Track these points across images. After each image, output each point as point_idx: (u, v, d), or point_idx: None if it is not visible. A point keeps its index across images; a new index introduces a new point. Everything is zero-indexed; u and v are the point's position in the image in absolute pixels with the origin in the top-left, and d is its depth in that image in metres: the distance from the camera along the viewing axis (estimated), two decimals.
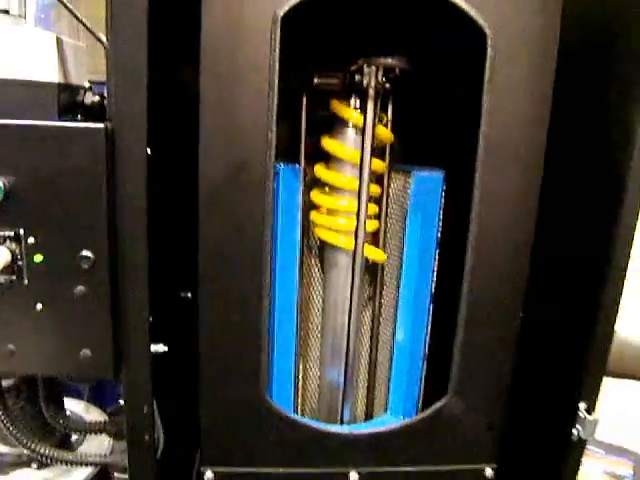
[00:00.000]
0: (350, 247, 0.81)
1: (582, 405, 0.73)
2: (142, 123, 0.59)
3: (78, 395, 1.22)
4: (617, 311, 0.70)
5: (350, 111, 0.80)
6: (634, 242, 0.68)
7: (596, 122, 0.75)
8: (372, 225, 0.84)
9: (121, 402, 0.70)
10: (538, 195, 0.72)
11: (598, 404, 0.74)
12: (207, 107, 0.65)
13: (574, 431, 0.73)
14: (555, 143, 0.72)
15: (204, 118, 0.65)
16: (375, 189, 0.83)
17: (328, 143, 0.81)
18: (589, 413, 0.73)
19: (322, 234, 0.84)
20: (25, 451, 0.92)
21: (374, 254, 0.85)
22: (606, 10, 0.74)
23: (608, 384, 1.42)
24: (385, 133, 0.82)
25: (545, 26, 0.68)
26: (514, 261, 0.74)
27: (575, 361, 0.74)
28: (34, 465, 0.95)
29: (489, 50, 0.66)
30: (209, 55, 0.63)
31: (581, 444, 0.75)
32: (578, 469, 0.78)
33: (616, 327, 1.41)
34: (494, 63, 0.67)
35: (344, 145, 0.81)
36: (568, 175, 0.78)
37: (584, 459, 1.36)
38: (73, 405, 0.98)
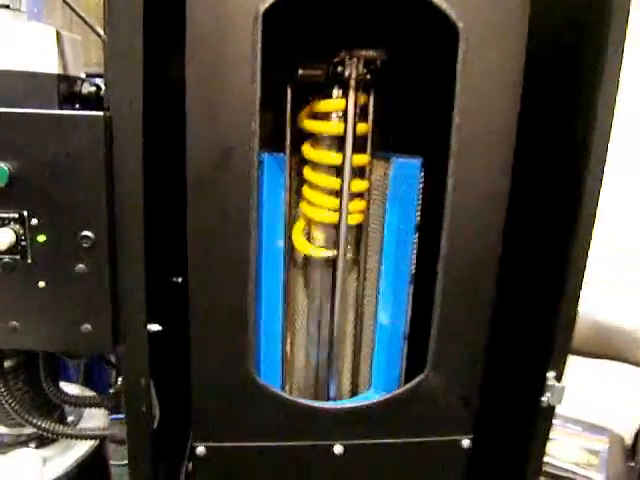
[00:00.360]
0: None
1: (551, 374, 0.77)
2: (138, 112, 0.63)
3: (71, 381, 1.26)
4: (580, 286, 0.75)
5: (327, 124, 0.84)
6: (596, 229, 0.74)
7: (563, 112, 0.80)
8: (355, 218, 0.88)
9: (111, 385, 0.73)
10: (509, 181, 0.77)
11: (565, 373, 0.79)
12: (193, 97, 0.68)
13: (544, 398, 0.78)
14: (524, 132, 0.76)
15: (191, 107, 0.68)
16: (358, 184, 0.87)
17: (309, 151, 0.86)
18: (557, 381, 0.78)
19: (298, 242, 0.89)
20: (24, 430, 0.96)
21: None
22: (572, 5, 0.79)
23: (588, 365, 1.49)
24: (364, 127, 0.87)
25: (514, 20, 0.72)
26: (486, 243, 0.79)
27: (544, 334, 0.78)
28: (32, 444, 0.98)
29: (461, 43, 0.71)
30: (194, 47, 0.67)
31: (550, 410, 0.80)
32: (548, 434, 0.82)
33: (597, 312, 1.47)
34: (465, 55, 0.71)
35: (327, 146, 0.85)
36: (536, 162, 0.83)
37: (564, 436, 1.43)
38: (69, 388, 1.02)
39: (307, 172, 0.87)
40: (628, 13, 0.67)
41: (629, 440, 1.53)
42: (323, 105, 0.84)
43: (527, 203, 0.83)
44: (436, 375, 0.83)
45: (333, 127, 0.84)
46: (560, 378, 0.78)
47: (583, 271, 0.75)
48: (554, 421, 1.47)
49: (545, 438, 0.82)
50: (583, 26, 0.76)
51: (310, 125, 0.85)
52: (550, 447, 1.41)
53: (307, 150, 0.86)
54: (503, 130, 0.75)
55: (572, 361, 1.47)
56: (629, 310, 1.50)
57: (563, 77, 0.80)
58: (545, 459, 1.33)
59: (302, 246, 0.89)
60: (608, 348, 1.48)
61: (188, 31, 0.66)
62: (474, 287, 0.81)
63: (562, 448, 1.40)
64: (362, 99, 0.84)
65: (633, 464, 1.42)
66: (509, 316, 0.87)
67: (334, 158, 0.84)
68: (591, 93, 0.70)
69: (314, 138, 0.87)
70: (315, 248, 0.89)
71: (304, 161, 0.88)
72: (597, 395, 1.57)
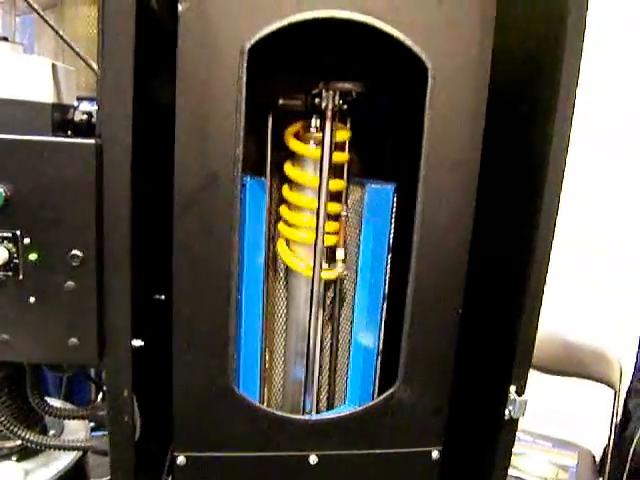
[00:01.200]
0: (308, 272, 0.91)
1: (512, 388, 0.82)
2: (127, 140, 0.67)
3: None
4: (539, 303, 0.81)
5: (306, 147, 0.89)
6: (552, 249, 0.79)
7: (522, 140, 0.86)
8: (330, 240, 0.93)
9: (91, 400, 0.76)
10: (474, 204, 0.82)
11: (527, 388, 0.84)
12: (182, 125, 0.73)
13: (506, 411, 0.83)
14: (488, 157, 0.82)
15: (179, 134, 0.73)
16: (334, 207, 0.93)
17: (290, 169, 0.91)
18: (519, 395, 0.82)
19: (284, 255, 0.94)
20: (6, 444, 0.98)
21: (329, 276, 0.95)
22: (532, 44, 0.85)
23: (557, 383, 1.54)
24: (341, 156, 0.92)
25: (479, 58, 0.78)
26: (454, 262, 0.84)
27: (506, 349, 0.84)
28: (14, 457, 1.00)
29: (429, 79, 0.77)
30: (184, 80, 0.72)
31: (513, 423, 0.84)
32: (512, 446, 0.87)
33: (565, 330, 1.53)
34: (433, 90, 0.77)
35: (304, 170, 0.91)
36: (499, 187, 0.89)
37: (534, 452, 1.47)
38: (52, 402, 1.04)
39: (286, 192, 0.92)
40: (581, 54, 0.74)
41: (598, 456, 1.58)
42: (302, 134, 0.89)
43: (490, 225, 0.89)
44: (406, 388, 0.87)
45: (311, 152, 0.89)
46: (521, 392, 0.83)
47: (541, 289, 0.81)
48: (524, 437, 1.52)
49: (509, 450, 0.87)
50: (540, 63, 0.83)
51: (292, 144, 0.90)
52: (520, 462, 1.45)
53: (288, 169, 0.91)
54: (468, 159, 0.81)
55: (542, 379, 1.53)
56: (596, 328, 1.56)
57: (522, 110, 0.87)
58: (515, 473, 1.38)
59: (288, 259, 0.94)
60: (577, 366, 1.54)
61: (179, 64, 0.71)
62: (442, 303, 0.85)
63: (532, 463, 1.45)
64: (339, 128, 0.90)
65: (601, 479, 1.47)
66: (475, 331, 0.93)
67: (311, 180, 0.89)
68: (546, 126, 0.76)
69: (295, 158, 0.92)
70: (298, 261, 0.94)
71: (284, 182, 0.93)
72: (567, 412, 1.62)
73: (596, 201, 1.60)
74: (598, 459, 1.57)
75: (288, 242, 0.95)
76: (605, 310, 1.55)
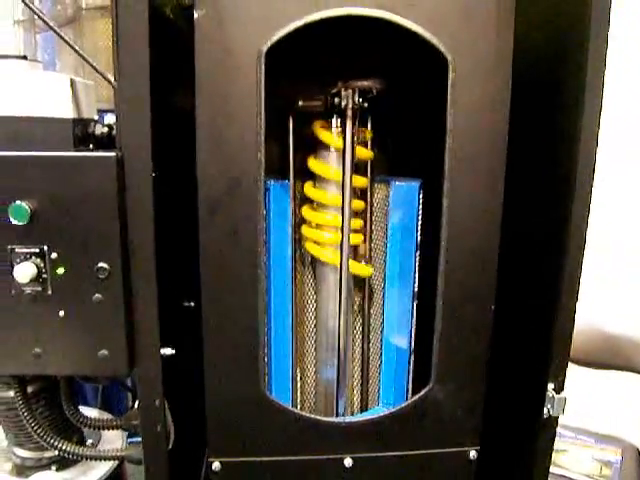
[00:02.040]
0: (336, 261, 0.89)
1: (550, 385, 0.80)
2: (147, 150, 0.67)
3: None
4: (575, 298, 0.78)
5: (330, 135, 0.88)
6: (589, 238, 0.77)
7: (549, 128, 0.84)
8: (356, 238, 0.92)
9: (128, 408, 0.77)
10: (502, 198, 0.80)
11: (566, 385, 0.81)
12: (202, 130, 0.73)
13: (545, 410, 0.81)
14: (515, 149, 0.80)
15: (200, 140, 0.73)
16: (359, 204, 0.91)
17: (313, 164, 0.90)
18: (557, 392, 0.80)
19: (311, 249, 0.93)
20: (46, 454, 1.00)
21: (360, 270, 0.93)
22: (553, 32, 0.83)
23: (598, 376, 1.50)
24: (364, 152, 0.91)
25: (500, 49, 0.76)
26: (484, 257, 0.82)
27: (543, 346, 0.81)
28: (53, 467, 1.02)
29: (450, 73, 0.75)
30: (203, 87, 0.72)
31: (552, 421, 0.82)
32: (552, 446, 0.85)
33: (604, 322, 1.49)
34: (455, 84, 0.75)
35: (328, 163, 0.89)
36: (526, 177, 0.87)
37: (575, 448, 1.43)
38: (87, 412, 1.06)
39: (310, 191, 0.91)
40: (607, 33, 0.72)
41: None
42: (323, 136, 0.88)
43: (521, 218, 0.87)
44: (441, 388, 0.85)
45: (336, 142, 0.88)
46: (560, 389, 0.81)
47: (577, 284, 0.79)
48: (566, 433, 1.49)
49: (549, 449, 0.85)
50: (565, 48, 0.80)
51: (318, 132, 0.89)
52: (562, 459, 1.42)
53: (312, 163, 0.90)
54: (494, 151, 0.79)
55: (582, 373, 1.49)
56: (636, 318, 1.51)
57: (547, 99, 0.84)
58: (557, 471, 1.35)
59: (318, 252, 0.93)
60: (617, 358, 1.49)
61: (197, 71, 0.71)
62: (474, 300, 0.83)
63: (574, 460, 1.41)
64: (360, 127, 0.88)
65: None
66: (510, 328, 0.90)
67: (335, 174, 0.88)
68: (574, 116, 0.74)
69: (318, 154, 0.91)
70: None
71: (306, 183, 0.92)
72: (609, 406, 1.57)
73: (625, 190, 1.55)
74: None
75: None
76: None
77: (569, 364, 1.41)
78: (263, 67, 0.72)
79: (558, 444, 1.43)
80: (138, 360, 0.74)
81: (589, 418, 1.56)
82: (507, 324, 0.88)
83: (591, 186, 0.76)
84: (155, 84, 0.68)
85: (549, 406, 0.80)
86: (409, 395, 0.97)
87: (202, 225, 0.76)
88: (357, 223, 0.91)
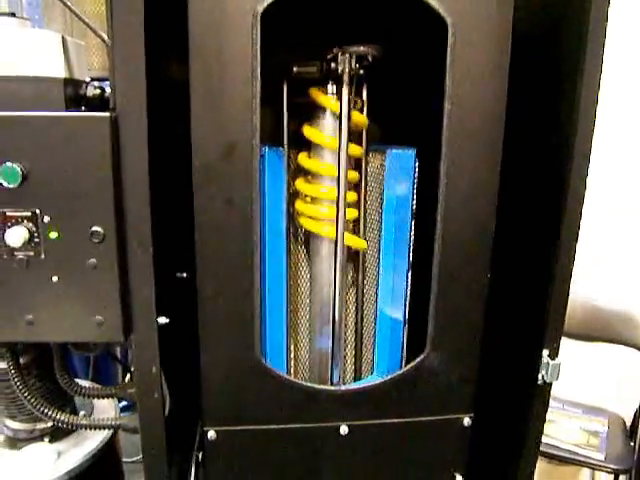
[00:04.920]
0: (331, 234, 0.88)
1: (545, 352, 0.81)
2: (143, 111, 0.66)
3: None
4: (571, 265, 0.78)
5: (327, 98, 0.87)
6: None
7: (547, 97, 0.83)
8: (352, 213, 0.91)
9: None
10: (499, 165, 0.80)
11: (560, 352, 0.82)
12: (197, 95, 0.71)
13: (539, 375, 0.81)
14: (512, 118, 0.79)
15: (195, 105, 0.72)
16: (353, 175, 0.90)
17: (308, 131, 0.88)
18: (552, 358, 0.81)
19: (306, 223, 0.92)
20: (37, 425, 0.99)
21: (354, 242, 0.93)
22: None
23: (587, 349, 1.52)
24: (360, 118, 0.90)
25: (500, 13, 0.75)
26: (480, 225, 0.82)
27: (538, 313, 0.82)
28: (46, 439, 1.01)
29: (450, 37, 0.74)
30: (197, 50, 0.70)
31: (546, 387, 0.83)
32: (545, 411, 0.86)
33: (593, 295, 1.50)
34: (454, 48, 0.74)
35: (323, 132, 0.88)
36: (525, 147, 0.87)
37: (563, 418, 1.46)
38: (81, 383, 1.05)
39: (304, 160, 0.90)
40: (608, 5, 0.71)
41: (629, 421, 1.56)
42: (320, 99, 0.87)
43: (518, 188, 0.87)
44: (436, 355, 0.86)
45: (333, 104, 0.86)
46: (555, 355, 0.81)
47: (572, 252, 0.79)
48: (554, 403, 1.51)
49: (542, 415, 0.86)
50: (562, 17, 0.79)
51: (314, 94, 0.88)
52: (550, 429, 1.44)
53: (307, 130, 0.88)
54: (492, 117, 0.78)
55: (571, 345, 1.51)
56: (625, 292, 1.53)
57: (546, 66, 0.83)
58: (545, 440, 1.37)
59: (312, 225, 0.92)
60: (606, 331, 1.51)
61: (190, 33, 0.69)
62: (470, 268, 0.83)
63: (562, 430, 1.44)
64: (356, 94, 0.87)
65: (632, 443, 1.45)
66: (505, 296, 0.91)
67: (330, 142, 0.86)
68: (573, 83, 0.73)
69: (313, 121, 0.89)
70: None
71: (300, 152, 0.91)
72: (597, 378, 1.60)
73: (624, 162, 1.55)
74: (629, 424, 1.55)
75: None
76: (633, 273, 1.52)
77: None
78: (259, 28, 0.70)
79: (547, 414, 1.45)
80: (134, 326, 0.73)
81: (577, 390, 1.59)
82: (503, 292, 0.88)
83: (589, 154, 0.76)
84: (149, 44, 0.66)
85: (544, 372, 0.81)
86: (403, 364, 0.97)
87: (196, 190, 0.74)
88: (352, 196, 0.91)
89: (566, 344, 1.49)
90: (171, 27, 0.76)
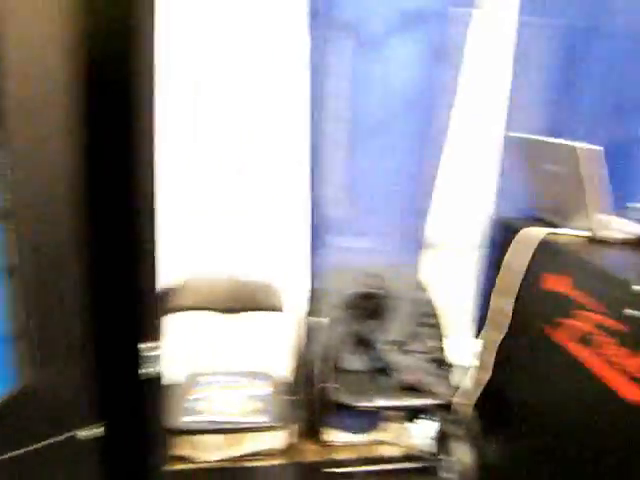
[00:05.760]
0: None
1: (144, 345, 0.84)
2: None
3: None
4: (153, 268, 0.82)
5: None
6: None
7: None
8: None
9: None
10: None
11: (162, 341, 0.86)
12: None
13: (143, 370, 0.84)
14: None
15: None
16: None
17: None
18: (151, 351, 0.84)
19: None
20: None
21: None
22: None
23: (237, 320, 1.62)
24: None
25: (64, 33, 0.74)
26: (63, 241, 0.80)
27: (133, 313, 0.84)
28: None
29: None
30: None
31: (157, 378, 0.86)
32: (161, 399, 0.89)
33: (236, 271, 1.61)
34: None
35: None
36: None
37: (228, 390, 1.54)
38: None
39: None
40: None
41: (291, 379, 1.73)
42: None
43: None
44: (41, 374, 0.82)
45: None
46: (154, 347, 0.85)
47: (153, 259, 0.82)
48: (217, 379, 1.59)
49: (158, 405, 0.89)
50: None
51: None
52: (202, 405, 1.50)
53: None
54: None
55: (221, 319, 1.61)
56: (261, 265, 1.69)
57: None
58: (208, 418, 1.42)
59: None
60: (251, 301, 1.65)
61: None
62: (60, 280, 0.82)
63: (227, 403, 1.52)
64: None
65: (294, 397, 1.62)
66: (103, 300, 0.90)
67: None
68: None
69: None
70: None
71: None
72: (255, 345, 1.74)
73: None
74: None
75: None
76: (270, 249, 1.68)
77: (212, 313, 1.51)
78: None
79: (207, 390, 1.53)
80: None
81: (240, 360, 1.71)
82: (99, 295, 0.88)
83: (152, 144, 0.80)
84: None
85: (147, 365, 0.84)
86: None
87: None
88: None
89: (221, 319, 1.58)
90: None
